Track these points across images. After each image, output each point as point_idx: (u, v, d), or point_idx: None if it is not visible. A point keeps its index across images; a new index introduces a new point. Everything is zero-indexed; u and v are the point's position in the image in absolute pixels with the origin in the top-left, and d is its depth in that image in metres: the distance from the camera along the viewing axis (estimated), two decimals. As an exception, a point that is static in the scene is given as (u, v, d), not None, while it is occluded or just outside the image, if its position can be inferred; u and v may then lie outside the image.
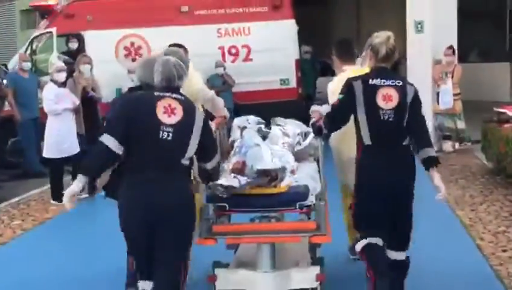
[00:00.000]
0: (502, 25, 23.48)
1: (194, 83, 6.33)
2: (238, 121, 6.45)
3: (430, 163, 5.39)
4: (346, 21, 26.49)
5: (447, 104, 13.80)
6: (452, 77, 13.75)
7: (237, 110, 14.58)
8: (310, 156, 6.17)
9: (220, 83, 14.80)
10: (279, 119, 6.50)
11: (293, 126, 6.30)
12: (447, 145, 13.98)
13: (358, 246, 5.43)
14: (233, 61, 15.19)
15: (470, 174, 11.67)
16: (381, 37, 5.41)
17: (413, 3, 14.44)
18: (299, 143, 6.08)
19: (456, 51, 14.16)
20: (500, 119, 11.35)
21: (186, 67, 5.07)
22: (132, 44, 14.87)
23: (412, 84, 5.48)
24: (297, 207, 5.23)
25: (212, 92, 6.69)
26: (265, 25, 15.31)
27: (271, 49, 15.18)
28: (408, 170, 5.36)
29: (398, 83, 5.35)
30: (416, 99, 5.40)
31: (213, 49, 15.01)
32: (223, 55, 15.13)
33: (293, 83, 15.49)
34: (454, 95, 13.80)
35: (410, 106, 5.31)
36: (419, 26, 14.32)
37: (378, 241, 5.36)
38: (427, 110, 13.50)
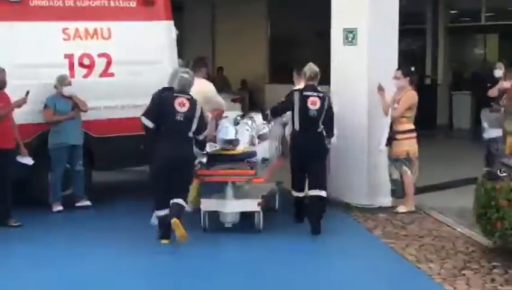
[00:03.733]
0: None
1: (208, 91, 9.53)
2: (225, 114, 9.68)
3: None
4: (201, 35, 22.03)
5: (380, 144, 9.73)
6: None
7: (90, 151, 9.91)
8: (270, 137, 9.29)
9: (66, 108, 9.89)
10: (252, 113, 9.80)
11: (259, 118, 9.49)
12: (400, 206, 9.81)
13: (293, 194, 9.01)
14: (85, 76, 10.32)
15: (466, 257, 7.55)
16: (307, 66, 8.93)
17: (342, 6, 10.22)
18: (264, 128, 9.33)
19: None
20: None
21: (192, 79, 8.34)
22: None
23: (328, 95, 9.01)
24: (245, 162, 8.48)
25: (217, 99, 9.81)
26: (132, 26, 10.63)
27: (140, 61, 10.56)
28: (319, 145, 8.74)
29: (320, 94, 8.74)
30: (330, 106, 8.79)
31: (56, 57, 10.10)
32: (71, 67, 10.20)
33: (170, 109, 10.86)
34: (400, 132, 9.71)
35: (326, 109, 8.69)
36: (350, 35, 10.11)
37: (301, 194, 8.89)
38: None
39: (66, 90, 9.80)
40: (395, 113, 9.64)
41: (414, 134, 9.76)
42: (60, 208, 9.81)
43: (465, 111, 19.19)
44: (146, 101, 10.44)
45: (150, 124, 8.11)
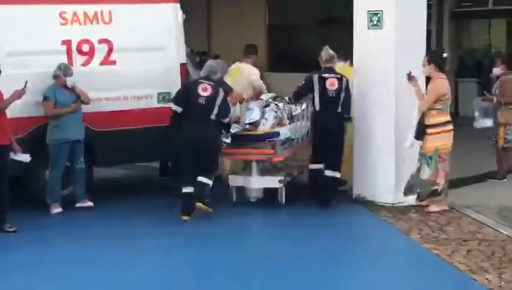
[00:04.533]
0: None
1: (252, 74, 10.29)
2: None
3: (346, 120, 9.15)
4: (197, 20, 20.94)
5: (407, 141, 8.80)
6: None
7: (91, 147, 8.96)
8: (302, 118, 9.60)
9: (68, 100, 8.91)
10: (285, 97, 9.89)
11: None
12: (432, 205, 8.86)
13: (311, 167, 9.28)
14: (85, 65, 9.31)
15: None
16: (324, 50, 9.17)
17: (365, -15, 9.29)
18: (297, 109, 9.55)
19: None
20: None
21: (218, 67, 8.91)
22: None
23: (345, 77, 9.07)
24: (265, 141, 8.93)
25: (258, 83, 10.34)
26: (135, 9, 9.66)
27: (144, 48, 9.63)
28: (339, 122, 8.99)
29: (338, 76, 9.02)
30: (347, 86, 9.04)
31: (53, 44, 9.11)
32: (69, 54, 9.17)
33: (177, 100, 9.90)
34: (431, 126, 8.74)
35: (344, 90, 8.96)
36: (374, 18, 9.16)
37: (320, 166, 9.03)
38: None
39: (69, 81, 8.79)
40: (422, 105, 8.71)
41: (448, 127, 8.79)
42: (60, 209, 8.84)
43: (471, 99, 18.26)
44: (151, 91, 9.67)
45: (178, 109, 8.63)
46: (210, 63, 8.93)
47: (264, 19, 20.52)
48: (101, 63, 9.36)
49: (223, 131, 8.74)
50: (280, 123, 9.25)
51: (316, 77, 8.98)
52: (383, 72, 9.10)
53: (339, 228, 8.26)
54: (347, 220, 8.61)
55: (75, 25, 9.23)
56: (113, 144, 9.33)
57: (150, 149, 9.63)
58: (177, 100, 8.71)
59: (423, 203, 8.81)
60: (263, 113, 9.19)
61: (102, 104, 9.30)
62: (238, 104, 9.60)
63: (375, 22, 9.17)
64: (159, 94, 9.72)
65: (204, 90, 8.49)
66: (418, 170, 8.73)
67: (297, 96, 9.38)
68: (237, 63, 10.46)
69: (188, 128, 8.42)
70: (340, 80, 8.95)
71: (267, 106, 9.39)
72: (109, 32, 9.41)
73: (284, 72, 19.33)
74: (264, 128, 9.07)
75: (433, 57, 9.03)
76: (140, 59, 9.54)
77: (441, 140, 8.75)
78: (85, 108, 9.06)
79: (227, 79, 9.74)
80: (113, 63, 9.43)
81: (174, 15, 9.84)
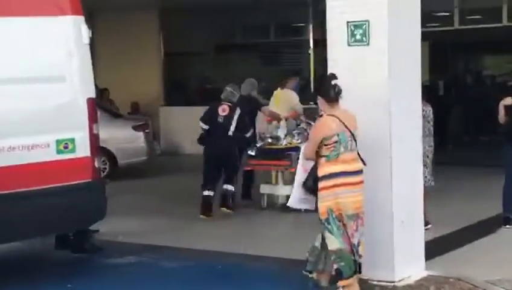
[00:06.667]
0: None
1: (293, 99, 11.26)
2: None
3: None
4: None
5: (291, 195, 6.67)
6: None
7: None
8: None
9: None
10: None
11: None
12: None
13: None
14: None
15: None
16: None
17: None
18: None
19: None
20: None
21: (235, 92, 10.20)
22: None
23: None
24: (285, 155, 10.04)
25: (298, 107, 11.27)
26: (20, 24, 6.82)
27: (36, 78, 6.84)
28: None
29: None
30: None
31: None
32: None
33: (84, 149, 7.06)
34: (320, 179, 5.98)
35: None
36: (358, 32, 6.64)
37: None
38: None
39: None
40: (304, 151, 6.36)
41: (341, 180, 6.03)
42: None
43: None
44: (47, 138, 6.80)
45: (205, 126, 10.01)
46: (227, 88, 10.19)
47: (159, 47, 17.89)
48: (-23, 102, 6.45)
49: (248, 144, 10.18)
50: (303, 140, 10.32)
51: None
52: (373, 101, 6.55)
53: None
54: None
55: None
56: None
57: (49, 218, 6.92)
58: (203, 119, 10.10)
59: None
60: (292, 130, 10.60)
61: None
62: (276, 122, 10.85)
63: (358, 37, 6.66)
64: (58, 142, 6.91)
65: (223, 111, 9.88)
66: (323, 239, 6.19)
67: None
68: (278, 88, 11.46)
69: (210, 143, 9.92)
70: None
71: (297, 124, 10.87)
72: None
73: (182, 105, 16.89)
74: (284, 143, 10.34)
75: (317, 86, 6.46)
76: (31, 94, 6.81)
77: (334, 198, 6.03)
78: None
79: (272, 103, 11.32)
80: (-7, 101, 6.53)
81: (76, 32, 7.02)
